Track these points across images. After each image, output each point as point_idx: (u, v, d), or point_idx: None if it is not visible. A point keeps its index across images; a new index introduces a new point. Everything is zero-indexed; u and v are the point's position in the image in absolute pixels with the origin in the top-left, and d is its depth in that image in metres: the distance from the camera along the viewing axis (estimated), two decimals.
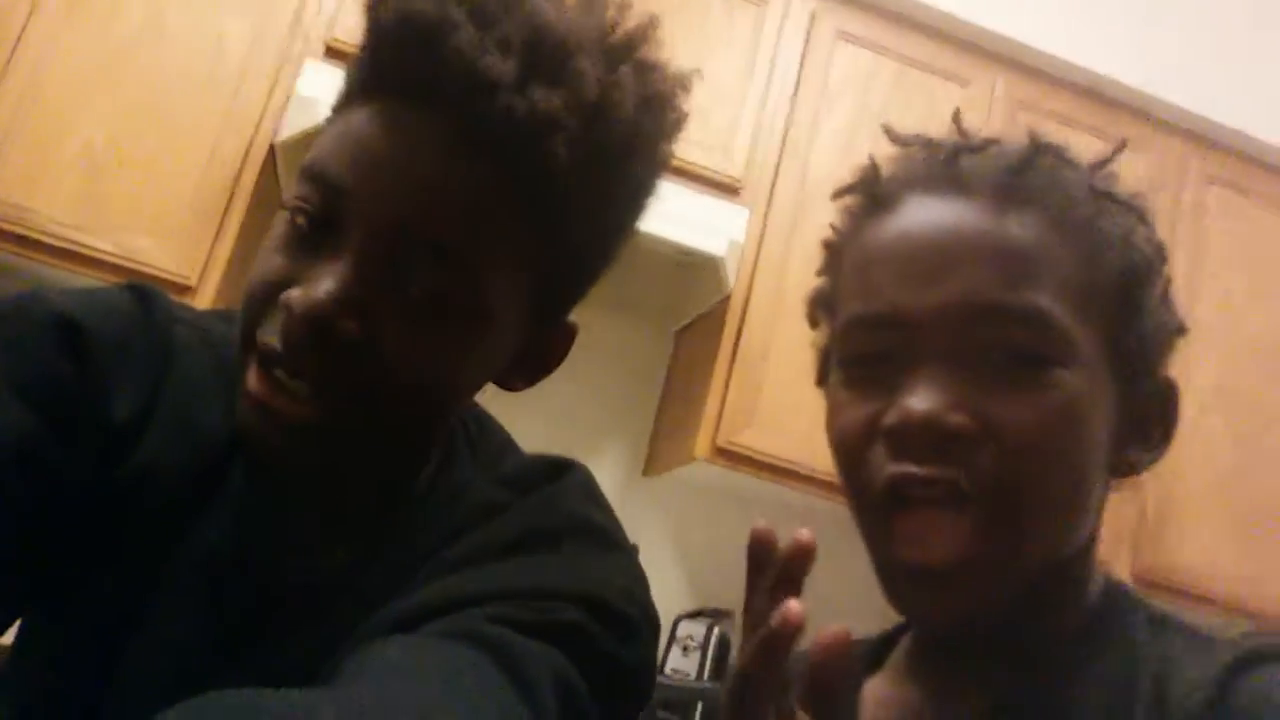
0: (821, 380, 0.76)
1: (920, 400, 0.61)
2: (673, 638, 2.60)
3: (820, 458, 2.66)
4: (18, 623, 0.72)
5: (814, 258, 2.37)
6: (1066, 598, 0.67)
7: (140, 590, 0.67)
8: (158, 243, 2.19)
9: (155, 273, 2.16)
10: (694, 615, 2.62)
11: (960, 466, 0.61)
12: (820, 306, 0.76)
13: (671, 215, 2.38)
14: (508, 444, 0.79)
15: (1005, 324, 0.62)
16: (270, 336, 0.60)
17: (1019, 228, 0.64)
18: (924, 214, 0.67)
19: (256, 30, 2.33)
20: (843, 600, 2.91)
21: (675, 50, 2.57)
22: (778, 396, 2.46)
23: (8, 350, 0.62)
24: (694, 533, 2.78)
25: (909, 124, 2.77)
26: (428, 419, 0.68)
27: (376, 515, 0.70)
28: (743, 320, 2.48)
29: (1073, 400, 0.62)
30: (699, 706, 2.44)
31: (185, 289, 2.18)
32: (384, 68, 0.63)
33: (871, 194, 0.72)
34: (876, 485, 0.64)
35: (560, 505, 0.71)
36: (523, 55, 0.60)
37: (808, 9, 2.69)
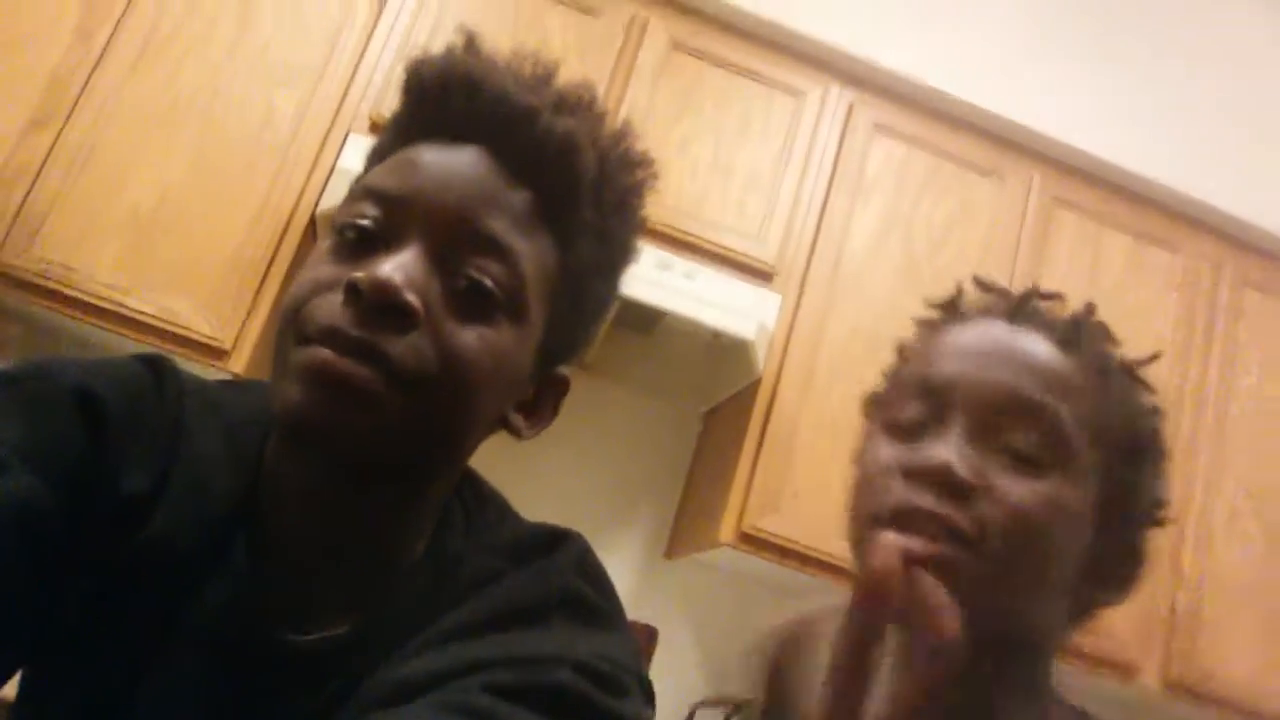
0: (856, 455, 0.85)
1: (943, 453, 0.72)
2: None
3: (843, 546, 2.62)
4: (17, 679, 0.72)
5: (845, 344, 2.40)
6: (1017, 681, 0.77)
7: (143, 654, 0.67)
8: (196, 306, 2.22)
9: (193, 335, 2.20)
10: (712, 704, 2.57)
11: (956, 512, 0.71)
12: (872, 401, 0.88)
13: (704, 298, 2.40)
14: (505, 513, 0.80)
15: (1032, 420, 0.74)
16: (329, 319, 0.63)
17: (1065, 361, 0.78)
18: (992, 329, 0.81)
19: (305, 102, 2.39)
20: None
21: (715, 137, 2.62)
22: (804, 482, 2.45)
23: (23, 417, 0.63)
24: (715, 618, 2.74)
25: (942, 217, 2.80)
26: (463, 421, 0.69)
27: (372, 584, 0.71)
28: (771, 405, 2.48)
29: (1062, 500, 0.73)
30: None
31: (221, 353, 2.21)
32: (429, 114, 0.71)
33: (952, 309, 0.87)
34: (884, 505, 0.74)
35: (552, 580, 0.71)
36: (551, 92, 0.71)
37: (845, 101, 2.73)
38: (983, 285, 0.89)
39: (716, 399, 2.75)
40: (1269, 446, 2.75)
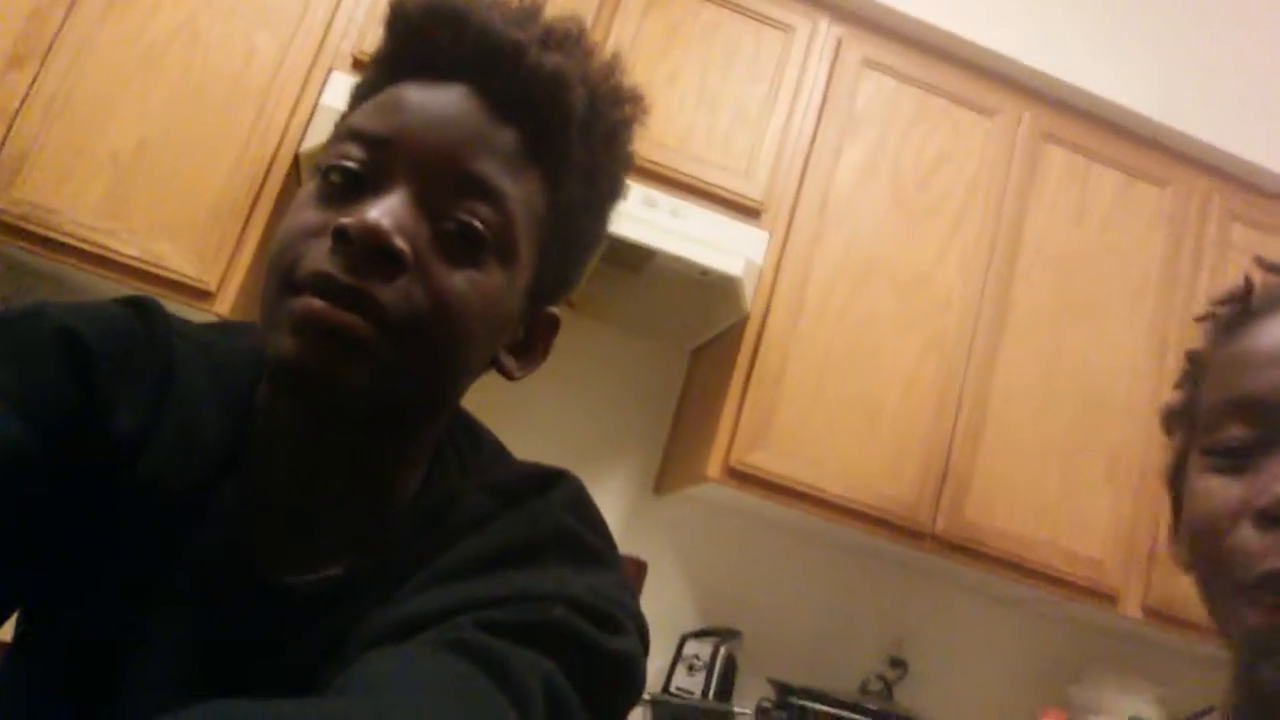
0: (1171, 484, 0.78)
1: None
2: (679, 656, 2.59)
3: (831, 480, 2.66)
4: (10, 636, 0.72)
5: (832, 281, 2.42)
6: None
7: (135, 601, 0.67)
8: (180, 248, 2.21)
9: (177, 277, 2.18)
10: (700, 634, 2.62)
11: None
12: (1175, 416, 0.79)
13: (691, 235, 2.40)
14: (499, 452, 0.81)
15: None
16: (317, 265, 0.63)
17: None
18: None
19: (285, 41, 2.36)
20: (836, 614, 2.91)
21: (703, 73, 2.59)
22: (791, 418, 2.46)
23: (10, 363, 0.63)
24: (703, 552, 2.78)
25: (931, 153, 2.78)
26: (455, 365, 0.69)
27: (366, 526, 0.71)
28: (759, 341, 2.49)
29: None
30: None
31: (206, 294, 2.20)
32: (413, 51, 0.70)
33: (1245, 307, 0.76)
34: (1251, 568, 0.65)
35: (546, 519, 0.72)
36: (538, 27, 0.70)
37: (834, 36, 2.70)
38: (1268, 267, 0.79)
39: (704, 336, 2.76)
40: None
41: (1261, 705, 0.68)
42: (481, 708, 0.53)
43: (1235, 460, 0.69)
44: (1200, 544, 0.70)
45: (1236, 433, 0.69)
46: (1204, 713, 0.83)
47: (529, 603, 0.62)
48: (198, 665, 0.67)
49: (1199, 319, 0.80)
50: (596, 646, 0.63)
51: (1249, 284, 0.77)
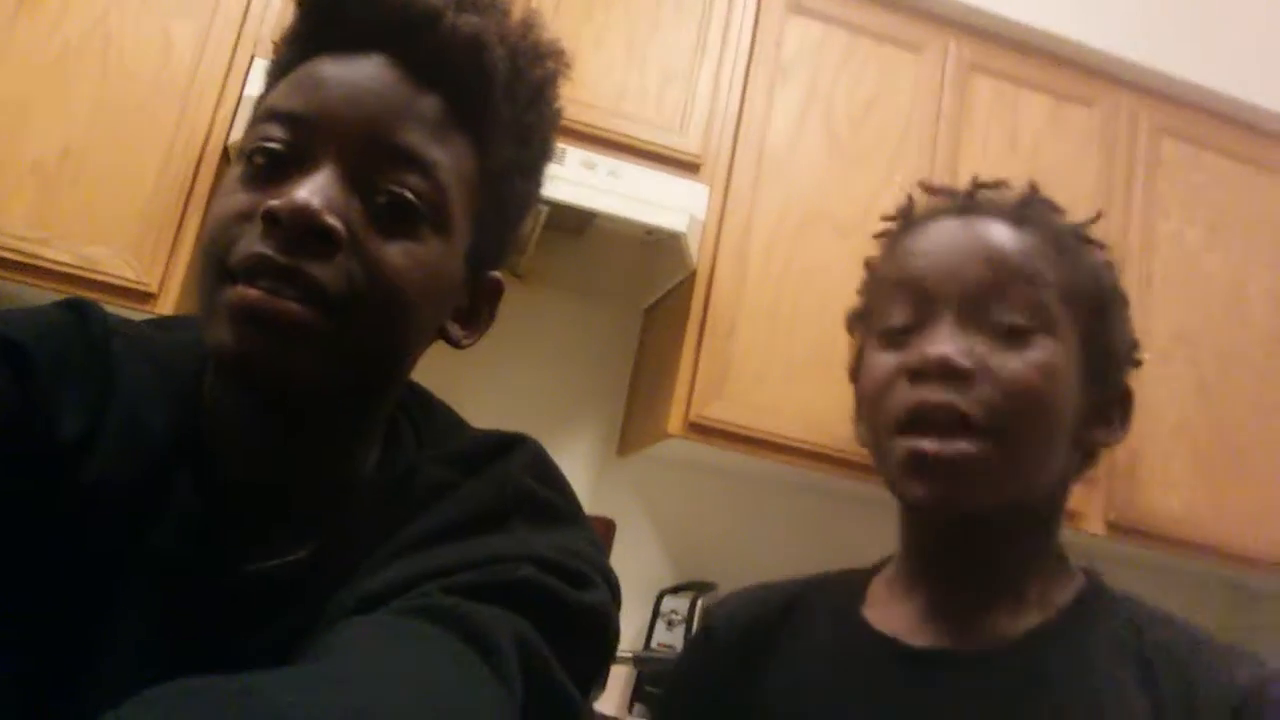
0: (854, 376, 0.94)
1: (939, 347, 0.80)
2: (656, 613, 2.62)
3: (790, 425, 2.68)
4: None
5: (775, 227, 2.43)
6: (1036, 533, 0.87)
7: (96, 603, 0.67)
8: (116, 251, 2.17)
9: (115, 281, 2.14)
10: (676, 590, 2.64)
11: (963, 398, 0.79)
12: (855, 317, 0.96)
13: (632, 195, 2.39)
14: (454, 422, 0.81)
15: (1009, 300, 0.82)
16: (250, 248, 0.62)
17: (1023, 237, 0.85)
18: (951, 225, 0.88)
19: (203, 31, 2.31)
20: (807, 558, 2.93)
21: (628, 32, 2.57)
22: (747, 369, 2.48)
23: None
24: (671, 508, 2.80)
25: (863, 93, 2.78)
26: (401, 339, 0.69)
27: (325, 506, 0.71)
28: (708, 295, 2.49)
29: (1051, 361, 0.81)
30: None
31: (147, 296, 2.16)
32: (327, 24, 0.69)
33: (907, 216, 0.93)
34: (898, 410, 0.82)
35: (506, 484, 0.72)
36: None
37: None
38: (929, 189, 0.95)
39: (654, 295, 2.76)
40: (1192, 290, 2.83)
41: (911, 515, 0.89)
42: (451, 663, 0.53)
43: (897, 337, 0.85)
44: (868, 407, 0.87)
45: (898, 315, 0.85)
46: (884, 561, 0.98)
47: (495, 565, 0.62)
48: (167, 657, 0.66)
49: (876, 235, 0.96)
50: (566, 601, 0.63)
51: (910, 201, 0.94)
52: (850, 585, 0.97)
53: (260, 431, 0.69)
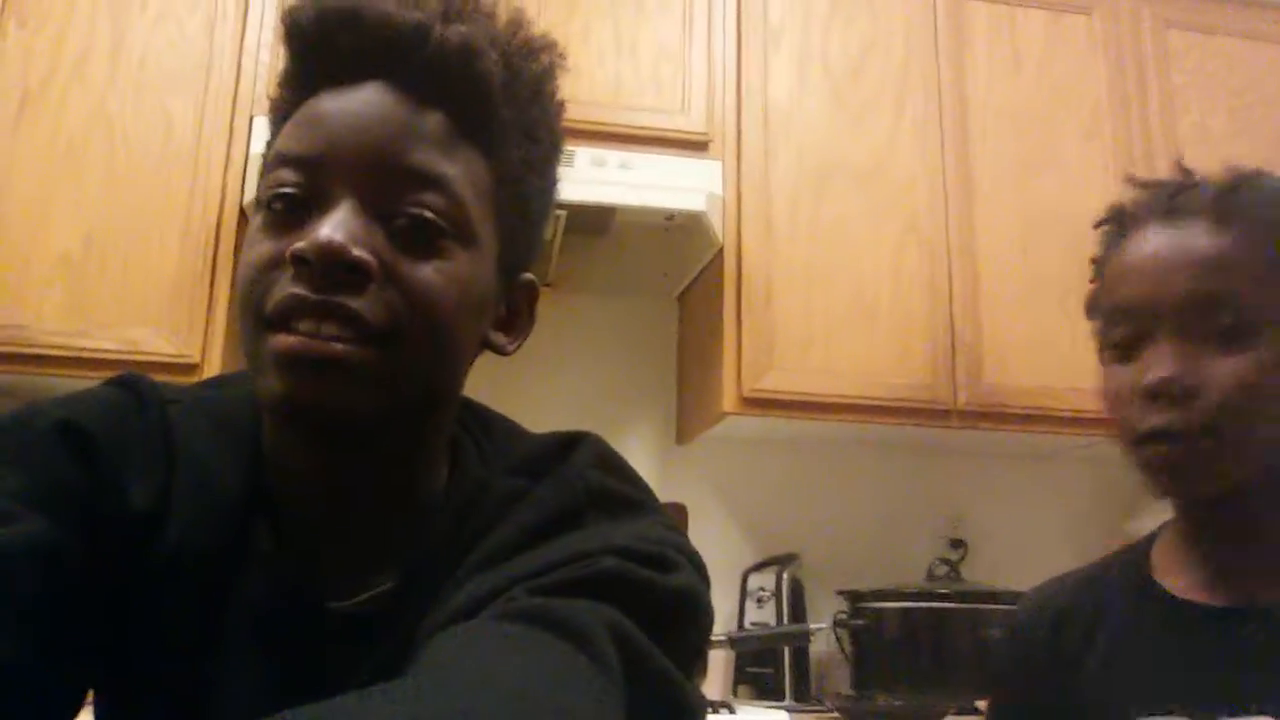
0: (1100, 360, 1.00)
1: (1161, 370, 0.89)
2: (744, 593, 2.61)
3: (843, 383, 2.66)
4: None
5: (794, 188, 2.42)
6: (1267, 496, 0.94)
7: (198, 662, 0.68)
8: (153, 329, 2.20)
9: (158, 359, 2.17)
10: (760, 567, 2.63)
11: (1185, 414, 0.88)
12: (1092, 308, 1.01)
13: (647, 183, 2.39)
14: (513, 430, 0.80)
15: (1218, 308, 0.89)
16: (284, 292, 0.63)
17: (1225, 241, 0.90)
18: (1156, 237, 0.94)
19: (199, 101, 2.33)
20: (885, 513, 2.92)
21: (615, 21, 2.56)
22: (791, 335, 2.47)
23: (16, 464, 0.63)
24: (740, 487, 2.79)
25: (856, 42, 2.75)
26: (448, 358, 0.69)
27: (402, 534, 0.71)
28: (739, 269, 2.48)
29: (1268, 359, 0.88)
30: (786, 652, 2.46)
31: (191, 367, 2.19)
32: (317, 60, 0.69)
33: (1120, 222, 0.99)
34: (1142, 429, 0.90)
35: (576, 483, 0.71)
36: (435, 4, 0.68)
37: None
38: (1136, 182, 1.01)
39: (686, 279, 2.76)
40: None
41: (1169, 494, 0.96)
42: (548, 659, 0.53)
43: (1122, 352, 0.94)
44: (1111, 418, 0.96)
45: (1118, 331, 0.94)
46: (1159, 530, 1.05)
47: (578, 562, 0.62)
48: (274, 704, 0.67)
49: (1096, 225, 1.02)
50: (654, 586, 0.62)
51: (1120, 204, 1.00)
52: (1136, 560, 1.04)
53: (324, 470, 0.70)
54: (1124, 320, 0.94)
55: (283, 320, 0.62)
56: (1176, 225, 0.93)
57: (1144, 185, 1.00)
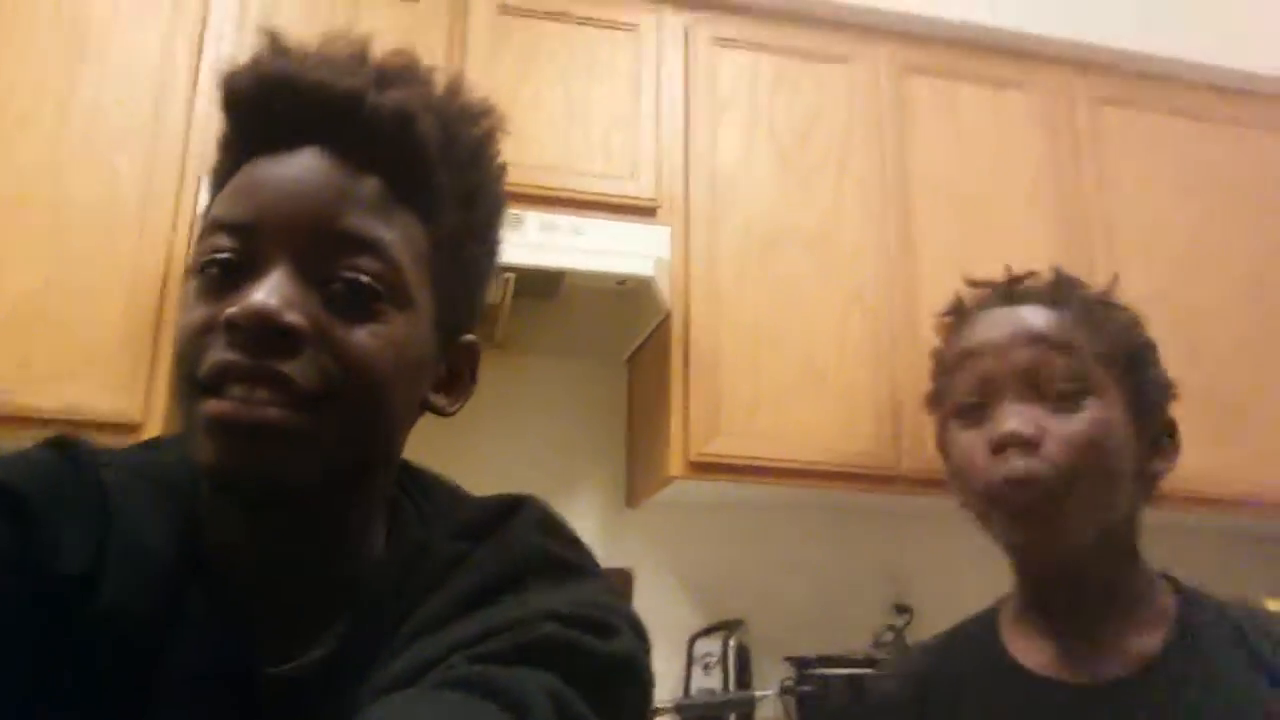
0: (941, 448, 1.08)
1: (1010, 423, 0.97)
2: (691, 658, 2.60)
3: (790, 448, 2.67)
4: None
5: (741, 255, 2.46)
6: (1124, 558, 1.02)
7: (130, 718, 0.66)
8: (94, 387, 2.16)
9: (98, 418, 2.13)
10: (707, 632, 2.62)
11: (1034, 460, 0.95)
12: (932, 400, 1.10)
13: (596, 248, 2.40)
14: (454, 493, 0.80)
15: (1057, 372, 0.98)
16: (216, 357, 0.62)
17: (1058, 316, 1.01)
18: (998, 315, 1.04)
19: (148, 158, 2.32)
20: (831, 579, 2.92)
21: (565, 90, 2.60)
22: (738, 400, 2.48)
23: None
24: (689, 551, 2.78)
25: (802, 111, 2.81)
26: (385, 422, 0.69)
27: (339, 598, 0.70)
28: (687, 334, 2.50)
29: (1101, 417, 0.97)
30: (732, 719, 2.44)
31: (132, 427, 2.15)
32: (253, 126, 0.69)
33: (959, 312, 1.09)
34: (987, 481, 0.98)
35: (516, 547, 0.71)
36: (370, 70, 0.69)
37: (680, 24, 2.74)
38: (972, 282, 1.11)
39: (634, 343, 2.77)
40: (1161, 251, 2.85)
41: (1018, 556, 1.06)
42: None
43: (972, 417, 1.01)
44: (962, 479, 1.02)
45: (967, 396, 1.02)
46: (1002, 601, 1.12)
47: (517, 628, 0.62)
48: None
49: (934, 327, 1.11)
50: (594, 652, 0.62)
51: (959, 297, 1.10)
52: (986, 630, 1.09)
53: (258, 535, 0.69)
54: (970, 384, 1.02)
55: (215, 385, 0.62)
56: (1017, 306, 1.04)
57: (979, 283, 1.10)
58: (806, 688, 2.43)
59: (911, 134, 2.80)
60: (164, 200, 2.30)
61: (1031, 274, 1.08)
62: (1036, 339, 1.00)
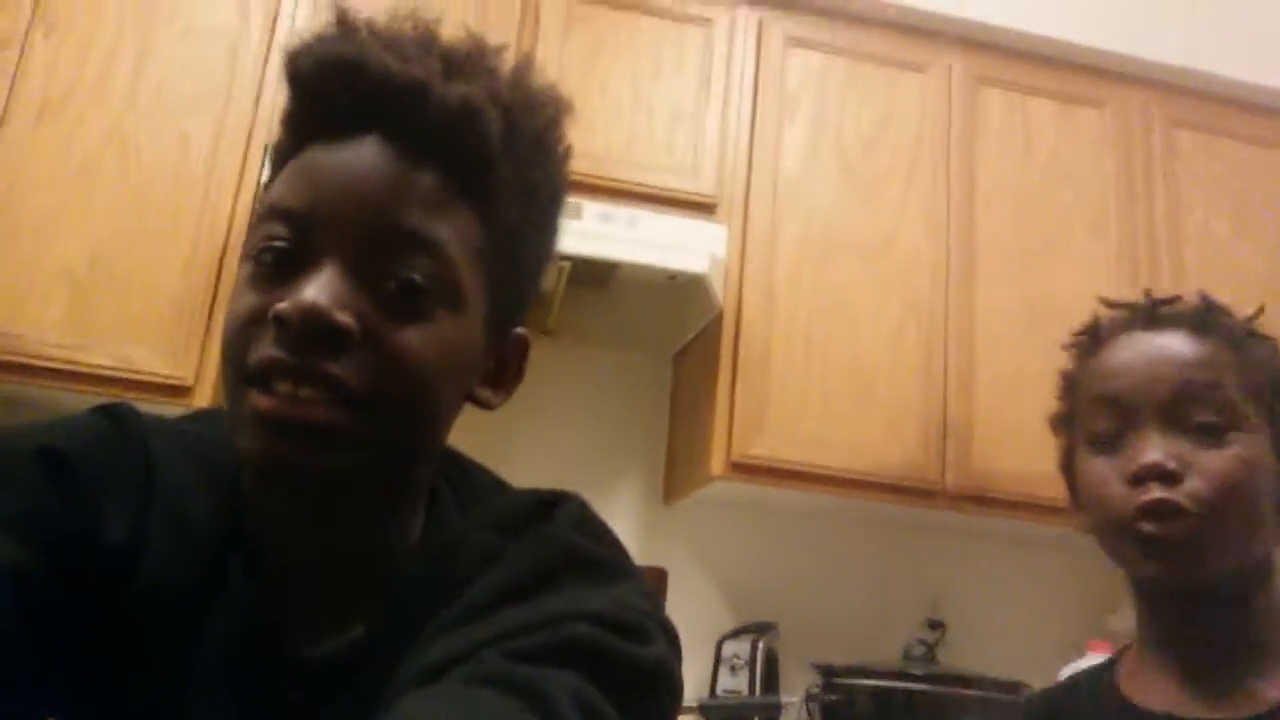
0: (1064, 470, 1.07)
1: (1152, 454, 0.93)
2: (719, 659, 2.59)
3: (834, 456, 2.64)
4: None
5: (797, 259, 2.45)
6: (1259, 595, 0.97)
7: (166, 693, 0.67)
8: (150, 349, 2.20)
9: (151, 378, 2.17)
10: (736, 634, 2.61)
11: (1176, 493, 0.92)
12: (1059, 420, 1.08)
13: (652, 241, 2.40)
14: (495, 484, 0.80)
15: (1202, 404, 0.95)
16: (264, 352, 0.62)
17: (1203, 345, 0.98)
18: (1140, 340, 1.01)
19: (216, 126, 2.35)
20: (865, 589, 2.90)
21: (633, 82, 2.60)
22: (784, 403, 2.46)
23: None
24: (723, 552, 2.77)
25: (870, 118, 2.79)
26: (430, 421, 0.68)
27: (374, 582, 0.71)
28: (737, 334, 2.49)
29: (1246, 452, 0.94)
30: None
31: (184, 390, 2.19)
32: (315, 109, 0.68)
33: (1095, 335, 1.05)
34: (1125, 510, 0.95)
35: (554, 544, 0.70)
36: (436, 59, 0.67)
37: (755, 19, 2.72)
38: (1110, 303, 1.07)
39: (683, 339, 2.76)
40: (1224, 279, 2.79)
41: (1149, 592, 1.01)
42: None
43: (1107, 444, 0.98)
44: (1094, 507, 0.99)
45: (1103, 424, 0.98)
46: (1124, 649, 1.07)
47: (550, 626, 0.61)
48: None
49: (1065, 347, 1.09)
50: (626, 657, 0.62)
51: (1096, 319, 1.07)
52: (1103, 678, 1.06)
53: (298, 521, 0.69)
54: (1106, 412, 0.99)
55: (263, 379, 0.62)
56: (1160, 332, 1.00)
57: (1118, 305, 1.07)
58: (832, 697, 2.41)
59: (981, 146, 2.76)
60: (229, 169, 2.33)
61: (1176, 298, 1.04)
62: (1181, 368, 0.96)
